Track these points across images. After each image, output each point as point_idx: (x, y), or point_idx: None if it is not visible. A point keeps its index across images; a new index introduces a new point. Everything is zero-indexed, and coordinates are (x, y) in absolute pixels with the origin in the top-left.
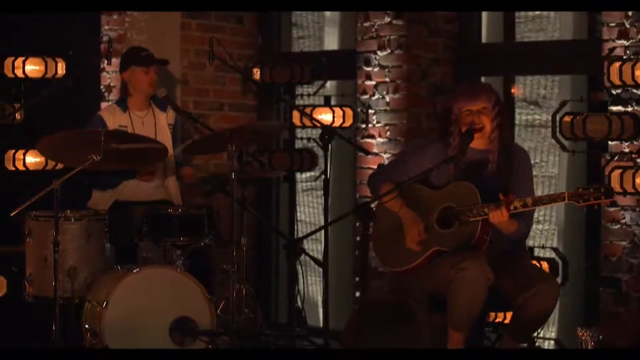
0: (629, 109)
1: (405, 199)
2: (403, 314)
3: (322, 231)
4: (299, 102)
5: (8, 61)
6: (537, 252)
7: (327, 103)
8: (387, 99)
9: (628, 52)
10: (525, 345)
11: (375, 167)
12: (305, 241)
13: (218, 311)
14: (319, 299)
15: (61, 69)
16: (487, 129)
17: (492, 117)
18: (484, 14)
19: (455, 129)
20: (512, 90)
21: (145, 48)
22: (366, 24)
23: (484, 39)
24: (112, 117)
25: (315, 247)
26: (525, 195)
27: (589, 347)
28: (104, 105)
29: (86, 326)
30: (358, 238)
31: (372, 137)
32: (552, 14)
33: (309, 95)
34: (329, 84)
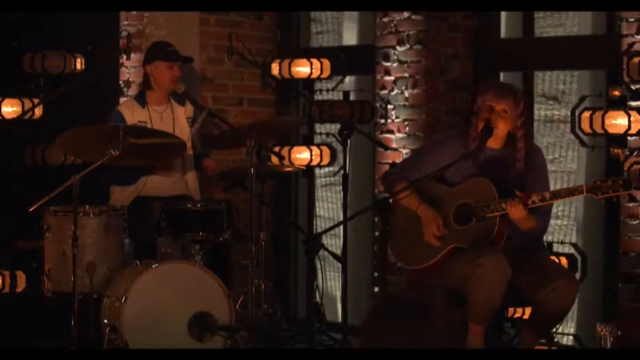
0: None
1: (421, 196)
2: (421, 311)
3: (341, 226)
4: (317, 97)
5: (27, 57)
6: (556, 248)
7: (345, 98)
8: (406, 94)
9: None
10: (544, 341)
11: (390, 163)
12: (324, 236)
13: (237, 306)
14: (338, 294)
15: (80, 64)
16: (501, 132)
17: (518, 125)
18: None
19: (475, 120)
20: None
21: (171, 44)
22: (385, 20)
23: (502, 35)
24: (130, 112)
25: (334, 242)
26: (541, 192)
27: (608, 343)
28: (122, 100)
29: (105, 321)
30: (377, 233)
31: (391, 132)
32: None
33: (327, 90)
34: (347, 79)
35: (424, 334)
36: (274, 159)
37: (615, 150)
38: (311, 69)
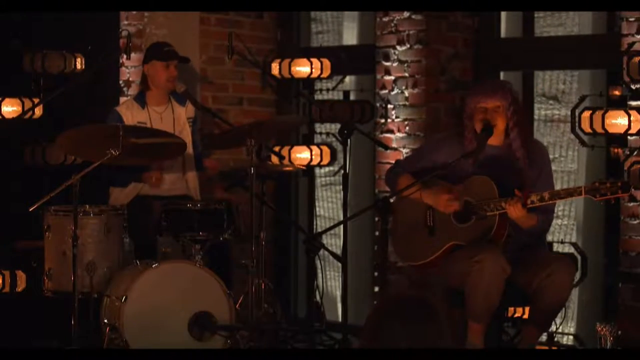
0: None
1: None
2: (425, 310)
3: (341, 226)
4: (317, 97)
5: (27, 57)
6: (556, 247)
7: (345, 98)
8: (406, 93)
9: None
10: (544, 340)
11: (394, 162)
12: (324, 236)
13: (237, 306)
14: (338, 294)
15: (80, 64)
16: (500, 127)
17: (509, 116)
18: None
19: (469, 123)
20: None
21: (169, 44)
22: (385, 19)
23: (503, 34)
24: (129, 112)
25: (334, 242)
26: (544, 190)
27: (608, 343)
28: (122, 100)
29: (105, 321)
30: (377, 233)
31: (391, 132)
32: None
33: (328, 90)
34: (348, 79)
35: (428, 332)
36: (274, 159)
37: (615, 150)
38: (311, 68)
